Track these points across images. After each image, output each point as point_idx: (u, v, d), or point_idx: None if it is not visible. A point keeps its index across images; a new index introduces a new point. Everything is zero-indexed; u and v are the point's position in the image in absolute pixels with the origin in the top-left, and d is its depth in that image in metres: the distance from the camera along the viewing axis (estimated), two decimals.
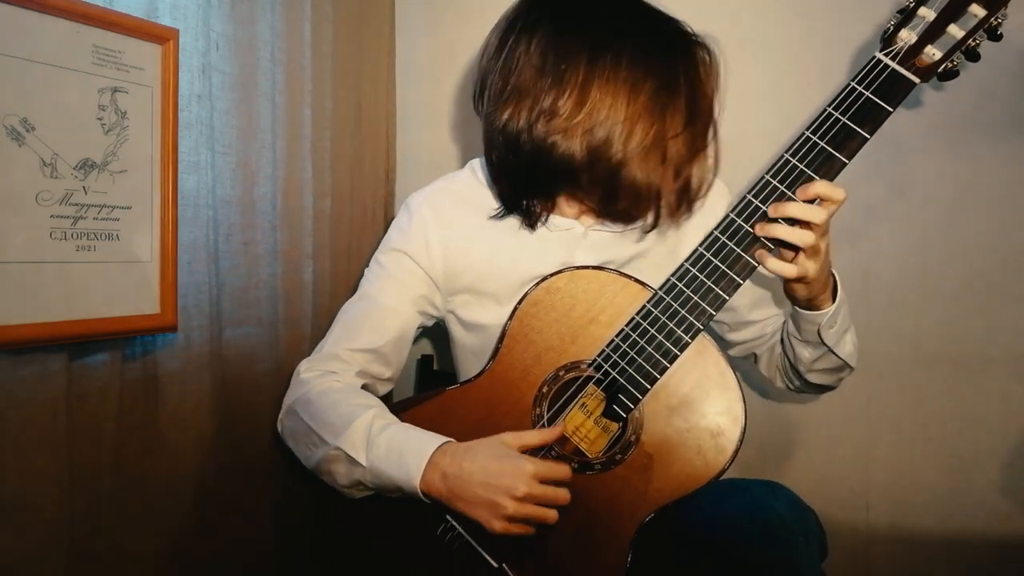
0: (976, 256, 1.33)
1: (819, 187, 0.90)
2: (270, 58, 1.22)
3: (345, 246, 1.45)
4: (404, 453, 0.95)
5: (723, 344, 1.26)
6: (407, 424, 1.01)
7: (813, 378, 1.11)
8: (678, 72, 0.99)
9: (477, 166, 1.17)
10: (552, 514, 0.92)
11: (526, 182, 1.05)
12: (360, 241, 1.50)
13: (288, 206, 1.27)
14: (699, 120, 1.00)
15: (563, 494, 0.92)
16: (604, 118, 0.96)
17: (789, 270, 0.92)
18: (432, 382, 1.52)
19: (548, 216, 1.09)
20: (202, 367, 1.10)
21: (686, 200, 1.03)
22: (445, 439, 0.97)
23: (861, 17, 1.34)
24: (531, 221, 1.08)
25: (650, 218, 1.04)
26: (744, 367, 1.48)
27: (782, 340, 1.15)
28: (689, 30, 1.03)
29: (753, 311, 1.19)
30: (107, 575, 0.98)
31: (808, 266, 0.92)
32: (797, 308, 1.03)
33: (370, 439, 0.97)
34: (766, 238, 0.92)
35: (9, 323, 0.81)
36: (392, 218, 1.62)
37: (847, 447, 1.42)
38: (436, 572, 1.00)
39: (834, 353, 1.05)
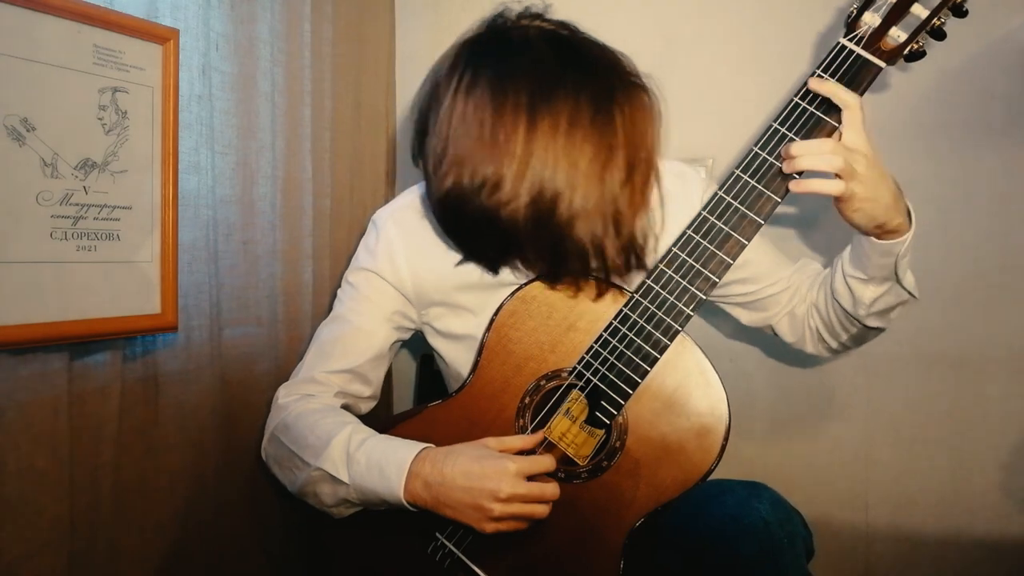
0: (975, 256, 1.33)
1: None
2: (270, 58, 1.22)
3: (345, 246, 1.45)
4: (384, 466, 0.94)
5: (737, 319, 1.25)
6: (385, 435, 1.00)
7: (872, 321, 1.05)
8: (616, 127, 0.94)
9: None
10: (541, 510, 0.91)
11: (474, 244, 1.03)
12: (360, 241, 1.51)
13: (288, 206, 1.27)
14: (638, 173, 0.96)
15: (550, 489, 0.91)
16: (546, 182, 0.92)
17: (827, 186, 0.88)
18: (432, 382, 1.52)
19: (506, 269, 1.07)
20: (202, 367, 1.10)
21: (633, 255, 0.98)
22: (424, 446, 0.96)
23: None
24: (491, 269, 1.06)
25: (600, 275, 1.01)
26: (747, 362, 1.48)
27: (821, 301, 1.10)
28: (628, 70, 0.99)
29: (769, 285, 1.16)
30: (107, 574, 0.98)
31: (854, 188, 0.88)
32: (873, 240, 0.95)
33: (349, 455, 0.96)
34: (795, 172, 0.90)
35: (10, 323, 0.81)
36: None
37: (847, 447, 1.42)
38: None
39: (902, 285, 1.00)
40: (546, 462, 0.93)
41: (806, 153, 0.88)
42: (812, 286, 1.14)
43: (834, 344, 1.14)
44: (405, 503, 0.93)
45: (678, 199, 1.14)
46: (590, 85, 0.94)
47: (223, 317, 1.16)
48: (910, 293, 1.04)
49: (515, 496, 0.89)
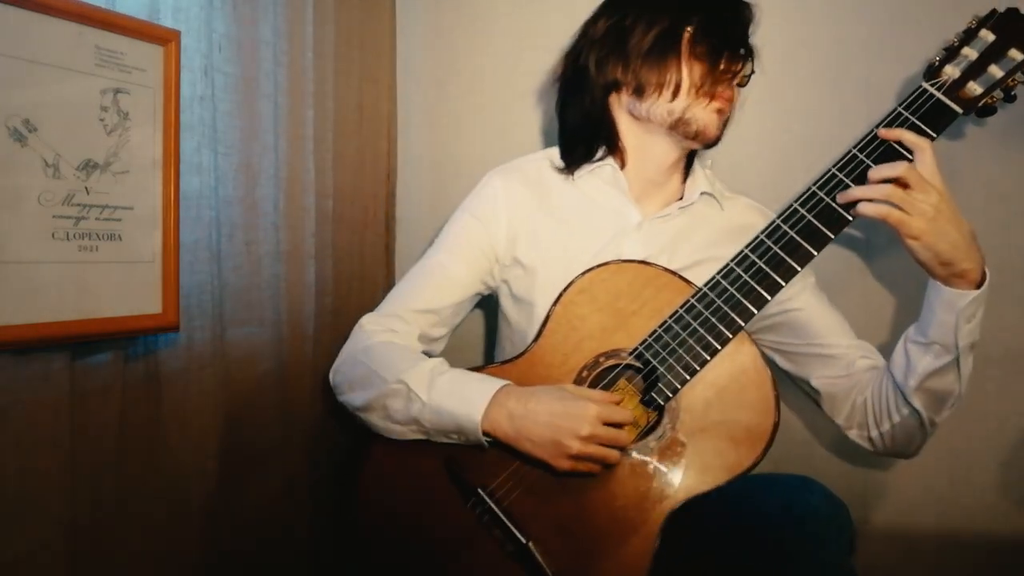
0: None
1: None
2: (272, 59, 1.22)
3: (347, 246, 1.46)
4: (468, 390, 1.00)
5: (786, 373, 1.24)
6: (466, 370, 1.06)
7: (917, 400, 1.01)
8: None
9: (553, 153, 1.25)
10: (614, 455, 0.96)
11: (588, 107, 1.18)
12: (362, 241, 1.51)
13: (290, 206, 1.28)
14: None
15: (624, 436, 0.96)
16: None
17: (874, 210, 0.93)
18: None
19: (606, 159, 1.19)
20: (204, 367, 1.11)
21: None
22: (506, 381, 1.02)
23: (855, 20, 1.35)
24: (591, 157, 1.20)
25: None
26: None
27: (878, 379, 1.09)
28: None
29: (819, 345, 1.17)
30: (109, 574, 0.98)
31: (912, 224, 0.91)
32: (939, 285, 0.96)
33: (433, 377, 1.03)
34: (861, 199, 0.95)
35: (11, 323, 0.81)
36: (392, 219, 1.64)
37: (845, 446, 1.42)
38: (463, 544, 1.03)
39: (958, 365, 0.98)
40: (624, 413, 0.98)
41: (877, 178, 0.94)
42: (873, 366, 1.12)
43: (873, 432, 1.11)
44: (481, 431, 0.98)
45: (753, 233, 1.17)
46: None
47: (225, 317, 1.16)
48: (961, 384, 1.00)
49: (594, 437, 0.94)
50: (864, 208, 0.94)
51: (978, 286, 0.96)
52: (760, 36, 1.42)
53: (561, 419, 0.95)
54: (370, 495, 1.09)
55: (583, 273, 1.07)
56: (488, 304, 1.38)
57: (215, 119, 1.11)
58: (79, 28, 0.87)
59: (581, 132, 1.21)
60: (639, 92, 1.12)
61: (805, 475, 0.98)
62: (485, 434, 0.98)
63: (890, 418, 1.07)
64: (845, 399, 1.14)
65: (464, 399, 0.99)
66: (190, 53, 1.04)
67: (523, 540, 0.98)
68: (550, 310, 1.07)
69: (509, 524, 0.99)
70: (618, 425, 0.97)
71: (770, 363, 1.04)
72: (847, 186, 0.96)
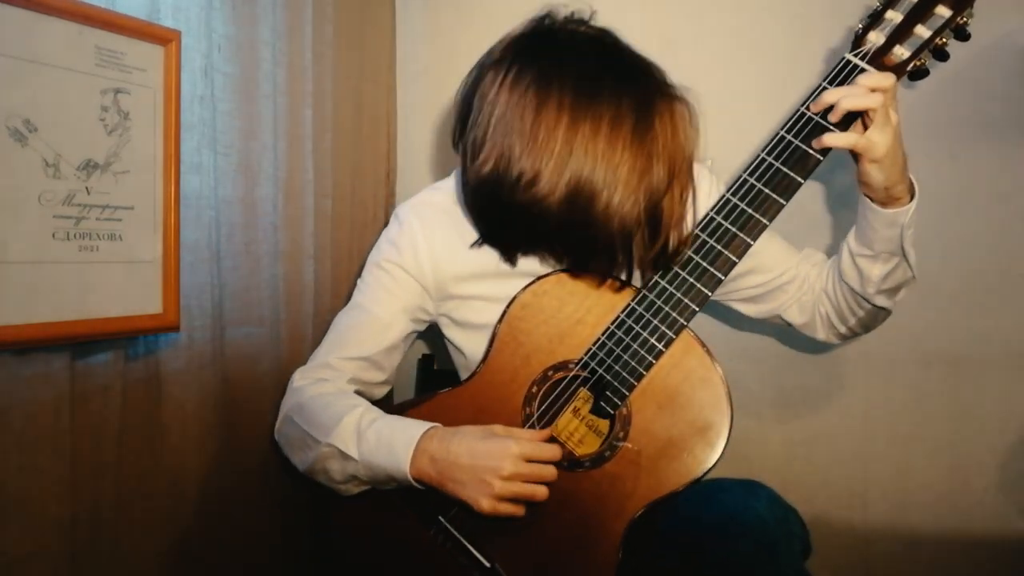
0: (974, 256, 1.33)
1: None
2: (272, 59, 1.22)
3: (347, 247, 1.46)
4: (393, 442, 0.97)
5: (743, 313, 1.27)
6: (395, 416, 1.03)
7: (880, 300, 1.07)
8: (656, 137, 0.96)
9: (455, 183, 1.19)
10: (541, 491, 0.93)
11: (502, 232, 1.07)
12: (361, 242, 1.51)
13: (290, 207, 1.28)
14: (677, 184, 0.98)
15: (549, 472, 0.93)
16: (584, 180, 0.93)
17: (849, 139, 0.91)
18: (432, 382, 1.52)
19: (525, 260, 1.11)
20: (204, 367, 1.11)
21: (662, 261, 0.99)
22: (432, 424, 0.98)
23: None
24: (509, 258, 1.10)
25: (623, 273, 1.03)
26: (741, 365, 1.48)
27: (830, 286, 1.13)
28: (666, 80, 1.01)
29: (778, 276, 1.19)
30: (109, 574, 0.98)
31: (876, 138, 0.90)
32: (878, 209, 0.98)
33: (360, 432, 0.99)
34: (832, 123, 0.93)
35: (12, 323, 0.81)
36: None
37: (845, 446, 1.43)
38: (430, 572, 1.01)
39: (907, 260, 1.03)
40: (550, 450, 0.95)
41: (848, 95, 0.91)
42: (821, 274, 1.17)
43: (842, 329, 1.16)
44: (411, 479, 0.95)
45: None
46: (631, 92, 0.96)
47: (225, 317, 1.16)
48: (913, 271, 1.06)
49: (516, 475, 0.91)
50: (837, 139, 0.92)
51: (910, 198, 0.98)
52: (762, 35, 1.42)
53: (482, 459, 0.92)
54: (341, 541, 1.09)
55: (525, 288, 1.05)
56: None
57: (215, 119, 1.11)
58: (79, 28, 0.87)
59: (495, 241, 1.11)
60: None
61: (753, 480, 0.97)
62: (417, 480, 0.96)
63: (854, 314, 1.12)
64: (813, 315, 1.18)
65: (391, 451, 0.96)
66: (190, 53, 1.04)
67: (487, 564, 0.98)
68: (495, 328, 1.05)
69: (472, 549, 0.99)
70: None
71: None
72: (780, 171, 0.94)
